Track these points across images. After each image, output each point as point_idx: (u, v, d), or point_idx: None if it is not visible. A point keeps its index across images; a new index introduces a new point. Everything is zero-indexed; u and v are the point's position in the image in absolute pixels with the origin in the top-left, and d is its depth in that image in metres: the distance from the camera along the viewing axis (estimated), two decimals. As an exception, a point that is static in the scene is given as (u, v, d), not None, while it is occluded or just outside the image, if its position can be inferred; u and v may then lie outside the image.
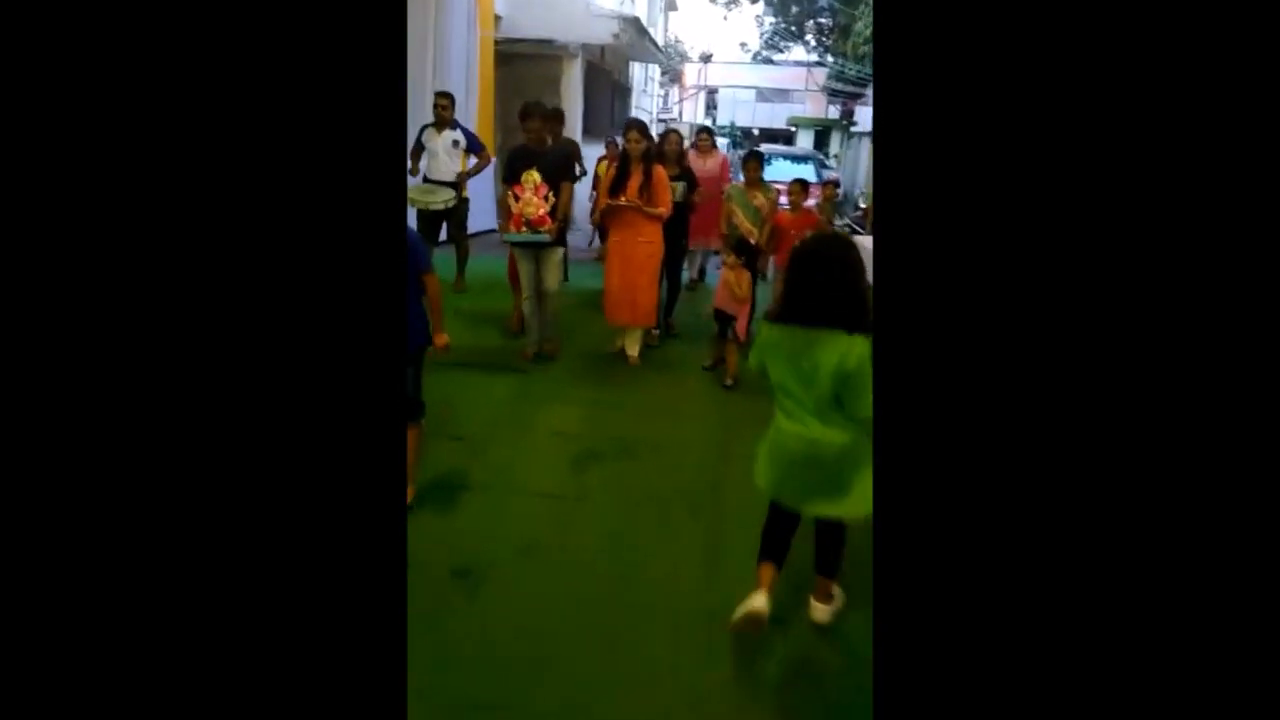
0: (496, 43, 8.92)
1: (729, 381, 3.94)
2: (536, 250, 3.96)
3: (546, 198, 3.82)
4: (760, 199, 4.36)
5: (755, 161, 4.47)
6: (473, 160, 5.36)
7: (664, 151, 4.45)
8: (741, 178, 4.56)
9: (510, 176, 3.88)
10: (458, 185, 5.20)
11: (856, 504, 1.77)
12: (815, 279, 1.73)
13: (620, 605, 2.10)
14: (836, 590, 2.06)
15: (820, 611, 2.03)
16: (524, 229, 3.83)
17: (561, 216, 3.93)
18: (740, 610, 1.84)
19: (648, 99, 19.68)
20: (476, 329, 4.63)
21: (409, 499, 2.47)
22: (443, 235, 5.39)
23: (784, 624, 2.03)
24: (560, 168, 3.97)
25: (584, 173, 5.59)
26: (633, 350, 4.28)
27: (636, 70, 16.04)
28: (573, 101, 9.49)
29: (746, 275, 3.93)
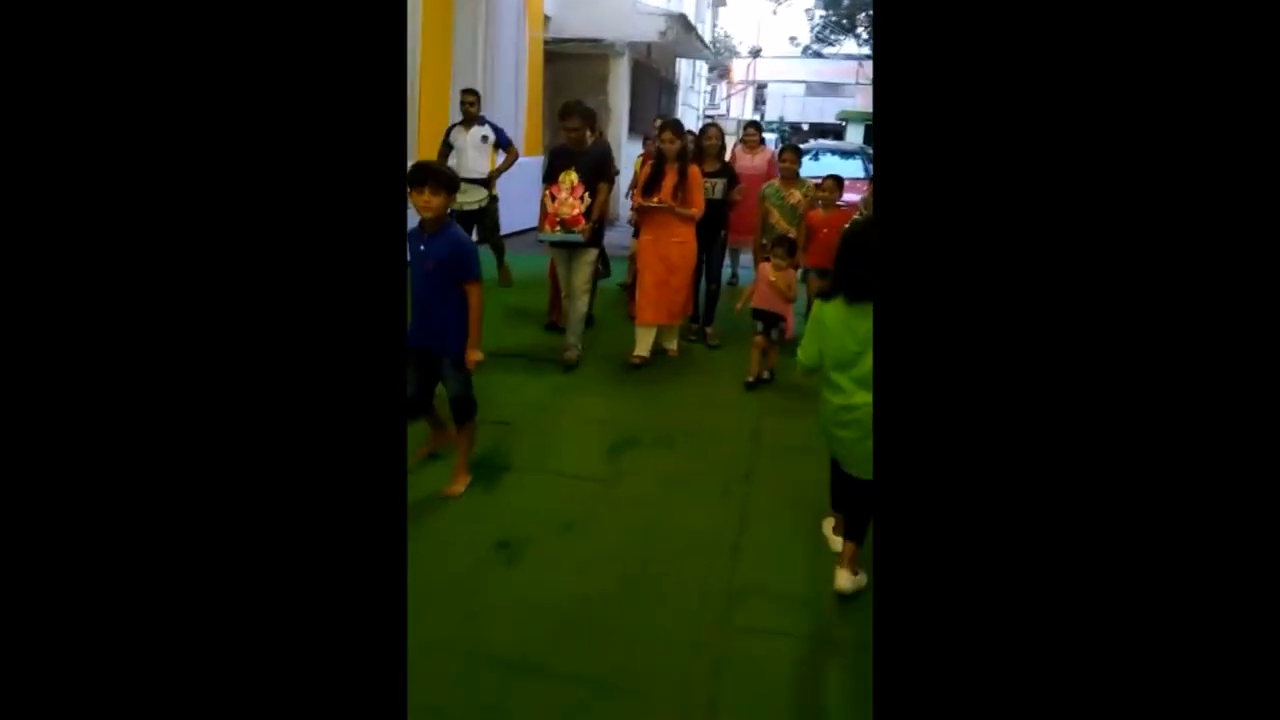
0: (545, 42, 9.11)
1: (765, 374, 3.89)
2: (570, 250, 3.97)
3: (582, 198, 3.82)
4: (797, 196, 4.25)
5: (791, 154, 4.38)
6: (502, 156, 5.27)
7: (703, 147, 4.41)
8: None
9: (548, 176, 3.91)
10: (488, 183, 5.13)
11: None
12: (865, 260, 1.94)
13: (650, 577, 2.20)
14: (859, 570, 2.13)
15: (843, 579, 2.12)
16: (558, 229, 3.84)
17: (597, 217, 3.91)
18: (832, 546, 2.32)
19: (695, 95, 19.66)
20: (516, 324, 4.76)
21: (462, 488, 2.62)
22: (474, 236, 5.25)
23: (805, 601, 2.12)
24: (598, 168, 3.95)
25: (617, 172, 5.50)
26: (671, 344, 4.30)
27: (683, 67, 16.07)
28: (619, 99, 9.62)
29: (792, 273, 3.81)
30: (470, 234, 5.18)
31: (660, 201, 3.95)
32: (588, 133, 3.99)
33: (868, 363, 1.93)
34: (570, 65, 9.60)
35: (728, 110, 25.47)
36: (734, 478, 2.87)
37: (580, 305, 4.08)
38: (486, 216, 5.20)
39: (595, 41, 9.39)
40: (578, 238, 3.84)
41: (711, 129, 4.54)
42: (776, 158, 4.99)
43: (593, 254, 4.05)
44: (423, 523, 2.41)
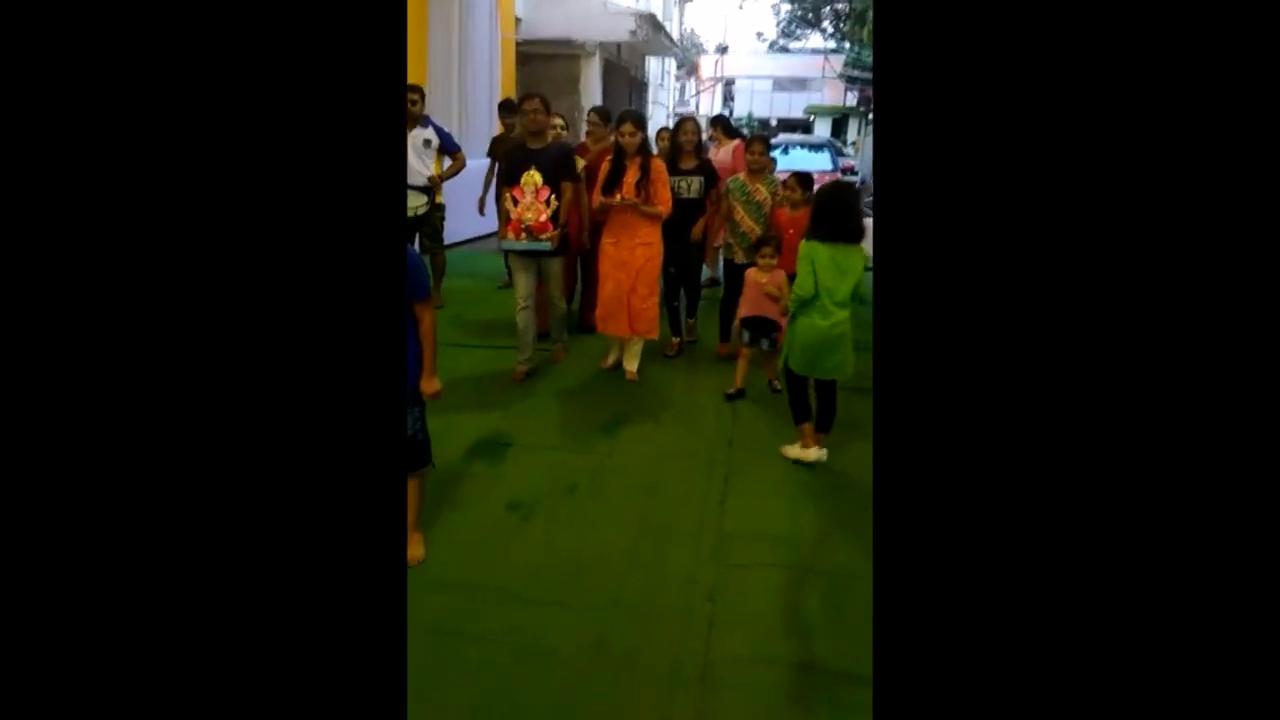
0: (517, 44, 9.29)
1: (777, 385, 3.53)
2: (538, 259, 3.64)
3: (548, 201, 3.48)
4: (763, 192, 3.87)
5: (760, 146, 3.95)
6: (448, 162, 4.79)
7: (679, 143, 4.03)
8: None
9: (509, 178, 3.53)
10: (431, 189, 4.62)
11: (846, 368, 2.85)
12: (844, 208, 2.75)
13: (648, 527, 2.48)
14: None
15: (811, 453, 2.93)
16: (523, 236, 3.50)
17: (564, 221, 3.57)
18: (806, 458, 2.91)
19: (665, 93, 19.90)
20: (486, 334, 4.49)
21: (421, 552, 2.23)
22: (415, 245, 4.78)
23: (787, 539, 2.40)
24: (561, 166, 3.55)
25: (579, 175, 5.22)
26: (631, 365, 3.85)
27: (653, 65, 16.33)
28: (591, 98, 9.83)
29: (781, 274, 3.43)
30: (412, 244, 4.77)
31: (623, 199, 3.56)
32: (550, 122, 3.69)
33: (848, 287, 2.72)
34: (542, 66, 9.81)
35: (697, 106, 25.77)
36: (718, 445, 3.13)
37: (560, 306, 3.93)
38: (427, 224, 4.71)
39: (566, 41, 9.61)
40: (545, 245, 3.52)
41: (687, 123, 4.12)
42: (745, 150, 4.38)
43: (560, 261, 3.77)
44: (439, 491, 2.64)
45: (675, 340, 4.24)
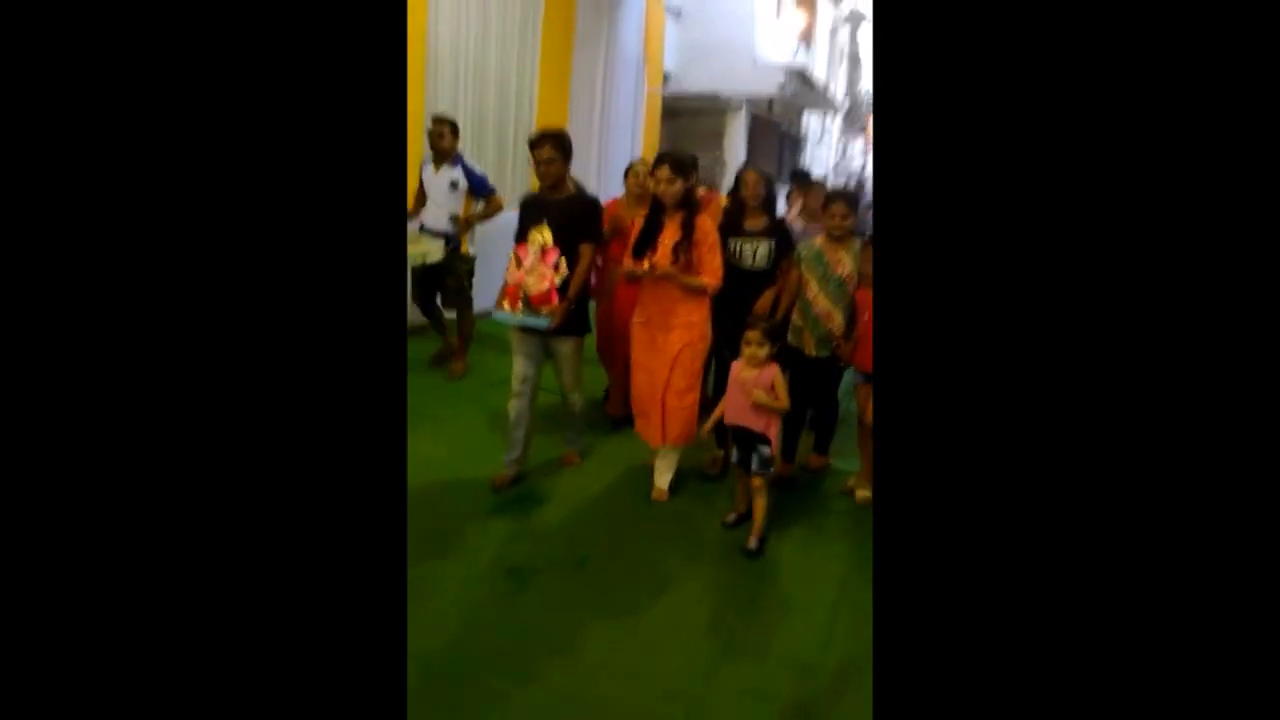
0: (663, 98, 9.43)
1: (752, 544, 2.52)
2: (544, 339, 2.79)
3: (557, 266, 2.68)
4: (847, 265, 2.83)
5: (840, 206, 2.83)
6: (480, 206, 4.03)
7: (741, 198, 3.06)
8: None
9: (518, 234, 2.78)
10: (452, 237, 3.94)
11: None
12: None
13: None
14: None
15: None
16: (520, 308, 2.70)
17: (575, 294, 2.72)
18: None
19: (824, 149, 19.51)
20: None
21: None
22: (437, 301, 4.16)
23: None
24: (578, 223, 2.76)
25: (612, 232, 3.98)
26: (661, 480, 2.90)
27: (812, 121, 16.06)
28: (735, 153, 9.73)
29: (773, 370, 2.49)
30: (433, 297, 4.13)
31: (652, 267, 2.69)
32: (565, 170, 2.81)
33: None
34: (687, 120, 9.87)
35: (863, 167, 25.01)
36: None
37: (576, 401, 3.03)
38: (449, 276, 4.00)
39: (713, 96, 9.61)
40: (543, 322, 2.67)
41: (749, 175, 3.08)
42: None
43: (572, 343, 2.87)
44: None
45: (719, 454, 3.11)
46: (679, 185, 2.68)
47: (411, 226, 4.00)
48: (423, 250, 3.83)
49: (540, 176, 2.81)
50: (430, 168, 3.99)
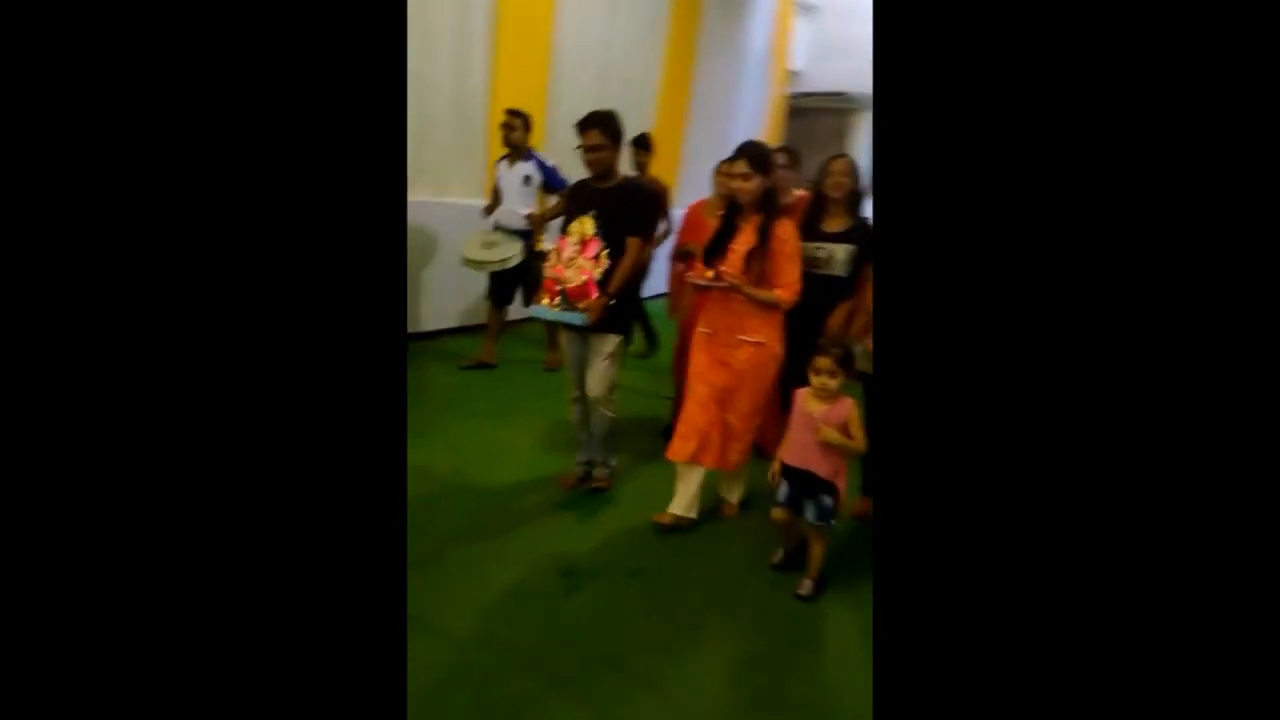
0: (790, 97, 9.16)
1: (805, 589, 2.25)
2: (586, 336, 2.62)
3: (598, 258, 2.48)
4: None
5: None
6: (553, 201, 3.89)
7: (823, 193, 2.67)
8: None
9: (563, 225, 2.63)
10: (529, 234, 3.83)
11: None
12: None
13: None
14: None
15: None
16: (557, 302, 2.54)
17: (616, 289, 2.49)
18: None
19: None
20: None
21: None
22: (517, 301, 4.09)
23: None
24: (627, 214, 2.51)
25: (668, 231, 4.08)
26: (732, 496, 2.75)
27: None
28: (859, 154, 9.29)
29: (849, 404, 2.12)
30: (510, 296, 4.09)
31: (718, 277, 2.40)
32: (615, 158, 2.56)
33: None
34: (813, 119, 9.56)
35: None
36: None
37: (604, 415, 2.72)
38: (530, 275, 3.84)
39: (839, 95, 9.25)
40: (579, 318, 2.48)
41: (836, 163, 2.68)
42: None
43: (612, 342, 2.61)
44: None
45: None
46: (755, 183, 2.36)
47: (486, 224, 3.99)
48: (502, 256, 3.68)
49: (586, 165, 2.55)
50: (504, 163, 3.93)
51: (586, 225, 2.52)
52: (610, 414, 2.75)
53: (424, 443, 3.13)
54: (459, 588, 2.17)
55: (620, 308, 2.56)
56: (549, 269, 2.58)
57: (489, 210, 4.05)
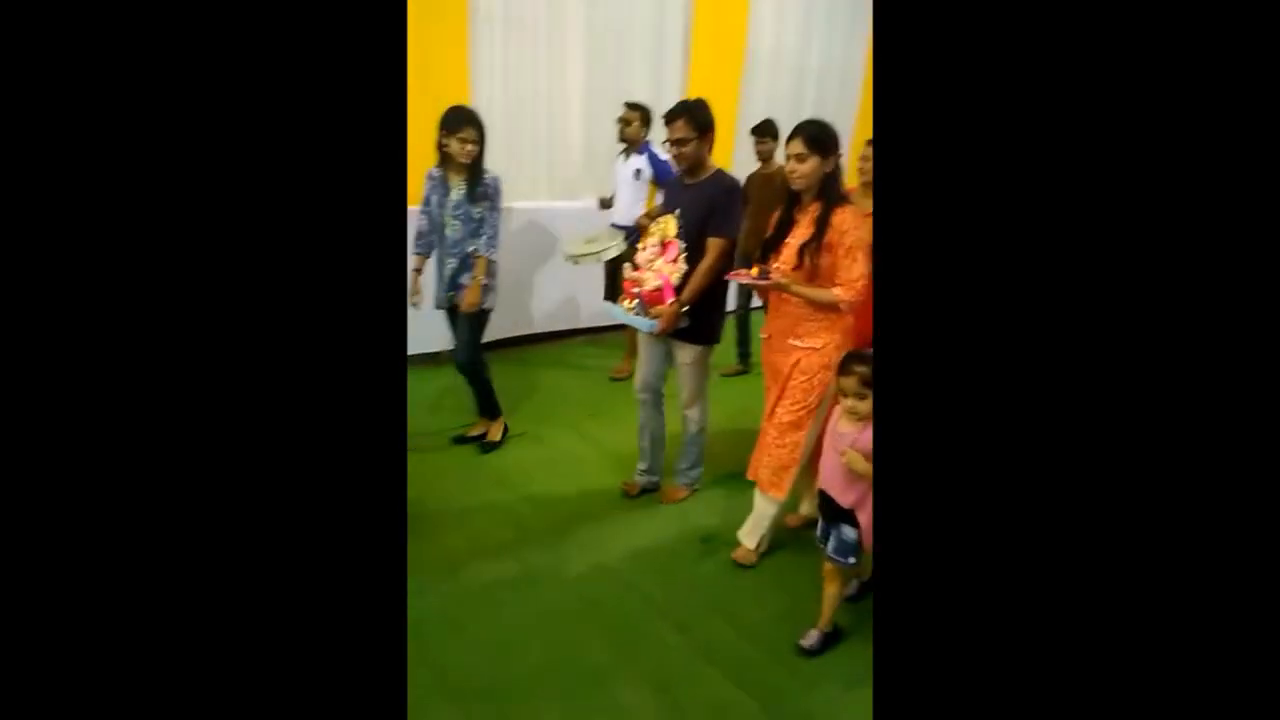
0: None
1: (808, 641, 2.02)
2: (668, 341, 2.47)
3: (676, 260, 2.31)
4: None
5: None
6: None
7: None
8: None
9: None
10: (635, 230, 3.42)
11: None
12: None
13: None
14: None
15: None
16: (633, 306, 2.39)
17: (691, 296, 2.31)
18: None
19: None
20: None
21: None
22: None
23: None
24: (713, 213, 2.30)
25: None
26: (749, 539, 2.39)
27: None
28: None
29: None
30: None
31: (763, 274, 2.14)
32: (703, 151, 2.36)
33: None
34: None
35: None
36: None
37: (693, 423, 2.61)
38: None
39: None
40: (650, 324, 2.32)
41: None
42: None
43: (691, 352, 2.46)
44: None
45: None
46: (811, 165, 2.05)
47: (604, 219, 3.83)
48: (596, 248, 3.18)
49: (673, 159, 2.40)
50: (620, 157, 3.81)
51: (669, 225, 2.36)
52: (698, 423, 2.63)
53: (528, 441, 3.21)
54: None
55: (702, 315, 2.38)
56: (628, 270, 2.45)
57: (604, 204, 4.01)
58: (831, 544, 1.97)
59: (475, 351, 2.97)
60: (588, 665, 1.94)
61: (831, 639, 2.03)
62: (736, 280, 2.26)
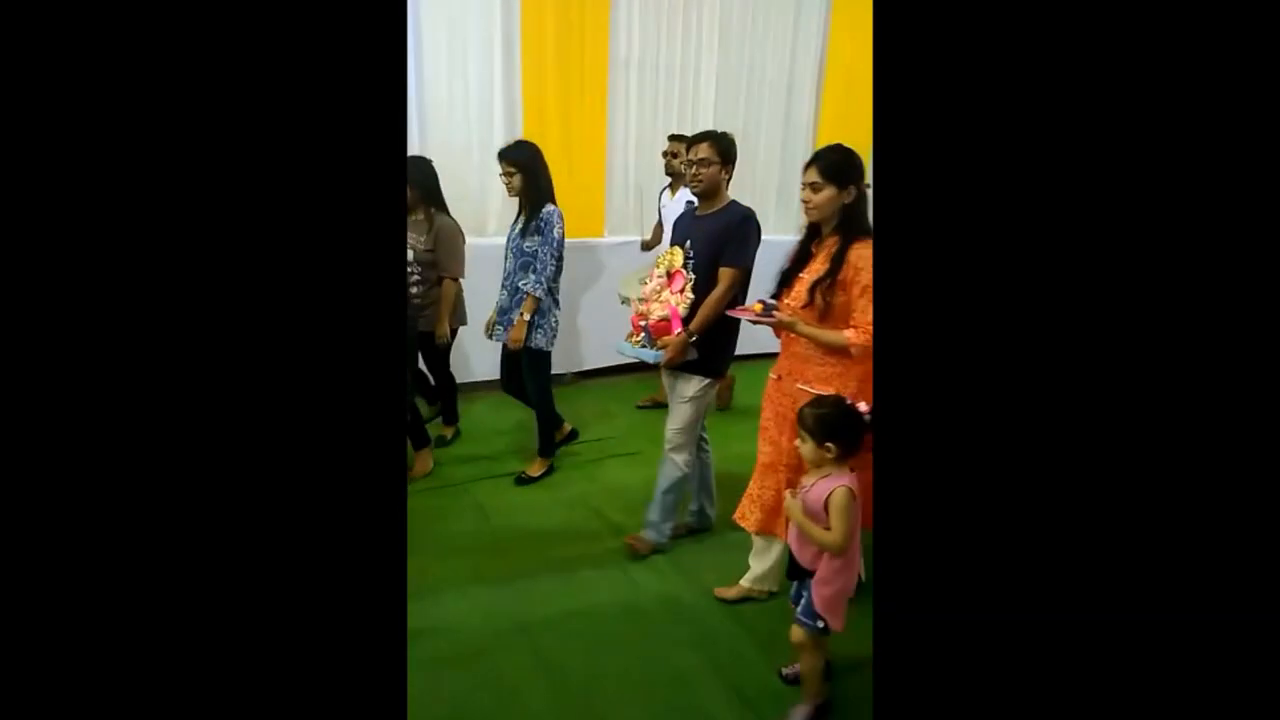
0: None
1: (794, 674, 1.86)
2: (675, 376, 2.36)
3: (683, 291, 2.21)
4: None
5: None
6: None
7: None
8: None
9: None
10: None
11: None
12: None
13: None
14: None
15: None
16: (641, 340, 2.28)
17: (699, 326, 2.22)
18: None
19: None
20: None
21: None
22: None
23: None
24: (725, 243, 2.24)
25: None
26: (726, 594, 2.25)
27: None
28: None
29: (842, 484, 1.60)
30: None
31: (767, 307, 1.97)
32: (721, 178, 2.30)
33: None
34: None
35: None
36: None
37: (670, 469, 2.42)
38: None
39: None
40: (655, 355, 2.22)
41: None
42: None
43: (694, 385, 2.33)
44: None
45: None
46: (826, 195, 1.88)
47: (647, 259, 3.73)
48: (632, 290, 3.07)
49: (690, 180, 2.32)
50: (666, 193, 3.74)
51: (675, 257, 2.28)
52: (681, 467, 2.42)
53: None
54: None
55: (710, 347, 2.27)
56: (634, 304, 2.36)
57: (646, 246, 3.95)
58: (800, 605, 1.74)
59: (542, 393, 2.97)
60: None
61: (821, 714, 1.78)
62: (738, 316, 2.07)
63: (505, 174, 2.79)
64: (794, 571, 1.77)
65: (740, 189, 3.76)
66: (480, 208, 4.02)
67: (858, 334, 1.86)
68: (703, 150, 2.26)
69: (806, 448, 1.66)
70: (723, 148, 2.28)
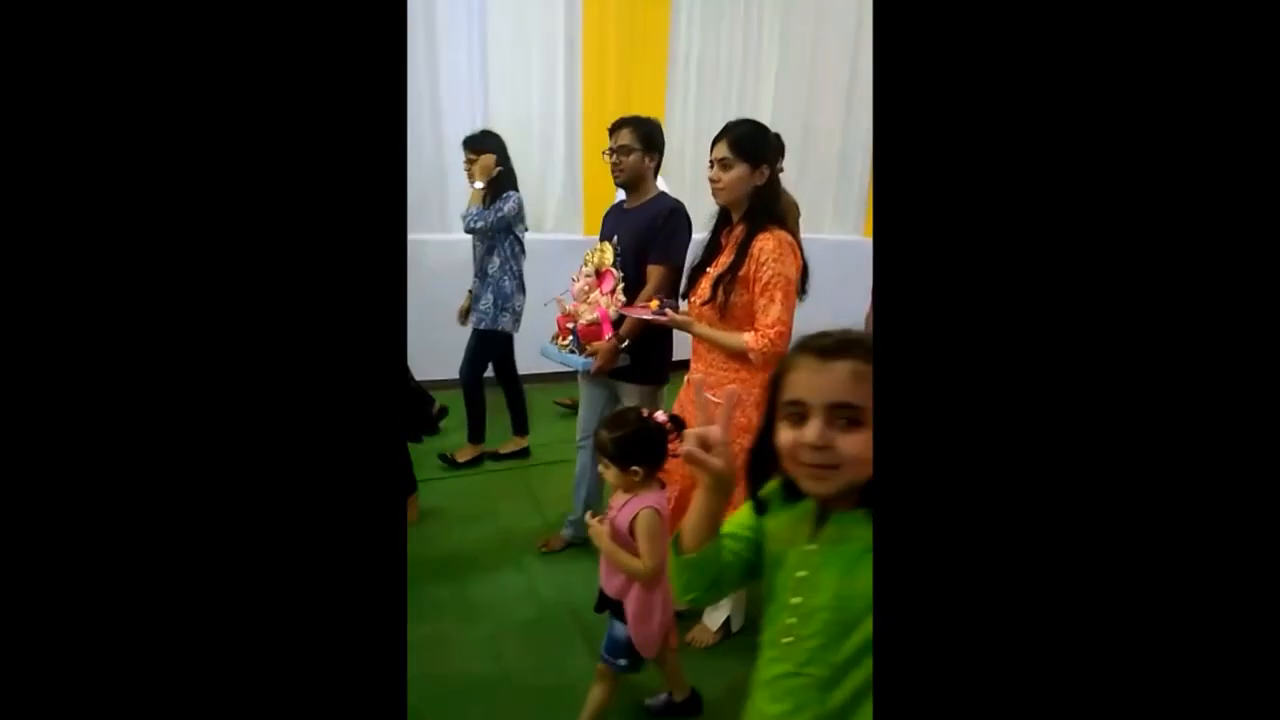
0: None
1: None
2: (609, 381, 2.16)
3: (614, 292, 2.01)
4: None
5: None
6: None
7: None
8: None
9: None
10: None
11: None
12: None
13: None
14: None
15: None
16: (567, 342, 2.09)
17: (630, 329, 2.01)
18: None
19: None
20: None
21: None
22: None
23: None
24: (651, 237, 2.04)
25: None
26: (710, 618, 2.04)
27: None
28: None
29: (650, 504, 1.46)
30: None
31: (661, 306, 1.82)
32: (643, 166, 2.10)
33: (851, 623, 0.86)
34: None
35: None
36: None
37: (583, 459, 2.31)
38: None
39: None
40: (585, 362, 2.02)
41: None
42: None
43: (634, 394, 2.11)
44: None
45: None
46: (736, 174, 1.65)
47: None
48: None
49: (612, 170, 2.11)
50: None
51: (605, 254, 2.06)
52: (584, 492, 2.32)
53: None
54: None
55: (641, 352, 2.05)
56: (561, 304, 2.14)
57: None
58: (606, 641, 1.55)
59: (470, 368, 2.97)
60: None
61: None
62: (632, 314, 1.89)
63: (467, 161, 2.83)
64: (602, 604, 1.57)
65: (799, 190, 3.78)
66: (540, 206, 4.14)
67: (757, 338, 1.62)
68: (623, 137, 2.06)
69: (610, 474, 1.47)
70: (644, 133, 2.06)
